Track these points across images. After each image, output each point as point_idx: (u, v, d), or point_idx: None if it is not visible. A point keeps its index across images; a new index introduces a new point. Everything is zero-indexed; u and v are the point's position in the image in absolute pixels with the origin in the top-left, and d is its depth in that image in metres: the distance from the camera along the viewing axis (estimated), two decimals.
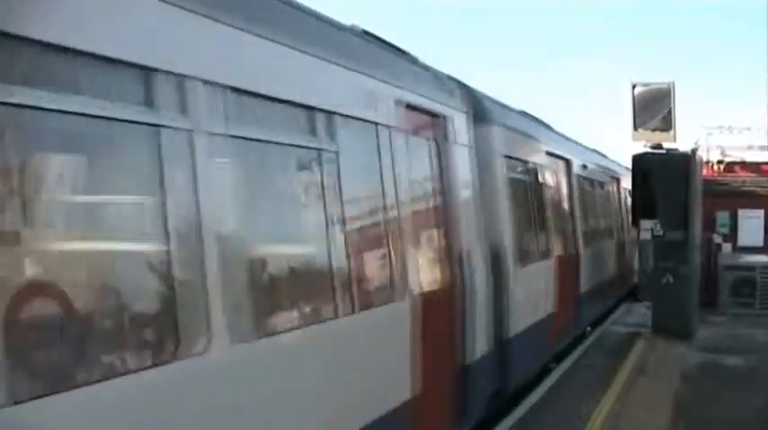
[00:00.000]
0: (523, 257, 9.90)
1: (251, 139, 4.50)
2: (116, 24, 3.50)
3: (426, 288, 6.75)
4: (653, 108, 15.47)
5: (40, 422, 2.93)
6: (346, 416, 5.33)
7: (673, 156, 14.89)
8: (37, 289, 3.19)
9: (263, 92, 4.60)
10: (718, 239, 18.23)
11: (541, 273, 10.95)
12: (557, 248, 11.98)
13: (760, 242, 17.99)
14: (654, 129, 15.52)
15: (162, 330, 3.70)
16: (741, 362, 12.27)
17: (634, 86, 15.69)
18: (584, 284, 13.85)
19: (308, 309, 5.09)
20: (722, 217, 18.40)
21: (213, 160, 4.07)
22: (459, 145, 7.95)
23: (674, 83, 15.63)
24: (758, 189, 18.41)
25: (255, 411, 4.20)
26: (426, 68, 8.09)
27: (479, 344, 8.03)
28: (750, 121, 18.96)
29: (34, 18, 3.06)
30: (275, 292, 4.81)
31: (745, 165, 19.05)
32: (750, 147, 19.15)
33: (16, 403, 2.83)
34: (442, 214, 7.50)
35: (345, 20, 6.10)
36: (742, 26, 60.99)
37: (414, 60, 7.89)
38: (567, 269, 12.50)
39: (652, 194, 14.32)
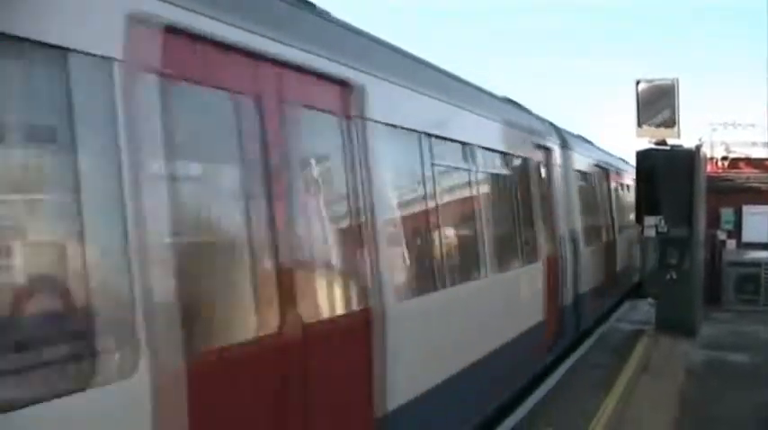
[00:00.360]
0: (586, 240, 13.86)
1: (489, 173, 8.94)
2: (465, 126, 8.24)
3: (547, 255, 11.03)
4: (657, 104, 15.45)
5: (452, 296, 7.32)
6: (527, 317, 10.03)
7: (677, 152, 14.85)
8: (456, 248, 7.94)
9: (492, 147, 9.07)
10: (722, 236, 18.18)
11: (596, 253, 15.03)
12: (603, 235, 16.28)
13: (764, 238, 17.92)
14: (658, 126, 15.50)
15: (473, 270, 8.13)
16: (745, 360, 12.26)
17: (638, 83, 15.67)
18: (619, 264, 17.71)
19: (509, 263, 9.35)
20: (727, 213, 18.35)
21: (485, 185, 8.64)
22: (557, 166, 12.27)
23: (677, 79, 15.62)
24: (763, 185, 18.35)
25: (502, 304, 8.96)
26: (538, 118, 12.54)
27: (568, 295, 12.26)
28: (754, 118, 18.93)
29: (447, 127, 7.58)
30: (500, 255, 8.88)
31: (749, 161, 19.01)
32: (754, 144, 19.12)
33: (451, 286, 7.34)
34: (551, 210, 11.69)
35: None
36: (744, 24, 60.82)
37: (530, 112, 12.24)
38: (609, 252, 16.66)
39: (656, 191, 14.29)
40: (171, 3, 3.77)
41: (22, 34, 2.91)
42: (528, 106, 12.39)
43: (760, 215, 18.16)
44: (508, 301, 9.24)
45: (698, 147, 15.01)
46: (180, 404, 3.45)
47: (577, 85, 75.52)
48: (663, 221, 14.15)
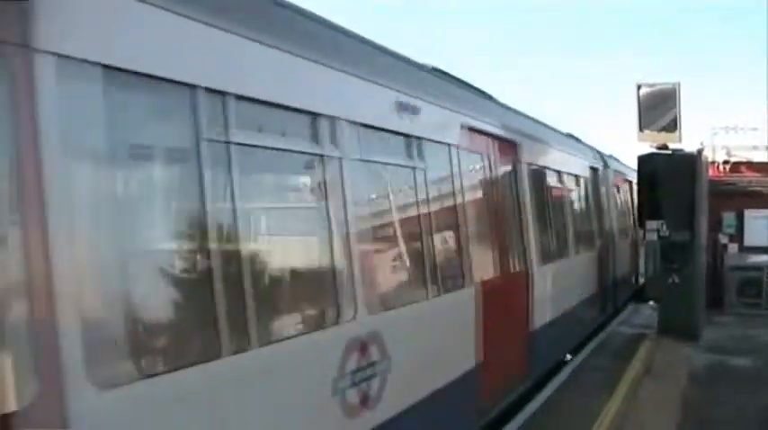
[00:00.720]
0: (619, 237, 17.82)
1: (571, 189, 13.61)
2: (560, 160, 12.89)
3: (597, 245, 15.29)
4: (658, 109, 15.48)
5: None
6: (594, 287, 14.83)
7: (678, 156, 14.88)
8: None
9: (572, 172, 13.68)
10: (724, 240, 18.20)
11: (626, 248, 19.12)
12: (629, 234, 19.82)
13: (766, 242, 17.93)
14: (659, 130, 15.53)
15: (565, 251, 12.55)
16: (748, 363, 12.29)
17: (639, 87, 15.71)
18: (640, 259, 20.25)
19: (580, 249, 13.66)
20: (728, 217, 18.37)
21: (569, 197, 13.38)
22: (603, 182, 16.36)
23: (679, 83, 15.67)
24: (764, 189, 18.34)
25: (578, 277, 13.72)
26: (589, 146, 16.51)
27: (611, 276, 16.53)
28: (755, 120, 18.98)
29: (552, 162, 12.31)
30: (576, 243, 13.25)
31: (751, 165, 19.03)
32: (756, 148, 19.13)
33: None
34: (600, 215, 15.91)
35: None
36: (745, 26, 60.86)
37: (582, 142, 16.15)
38: (633, 248, 20.10)
39: (658, 195, 14.31)
40: (468, 116, 8.36)
41: (438, 139, 7.48)
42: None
43: (762, 219, 18.17)
44: (581, 275, 13.83)
45: (699, 152, 15.04)
46: (479, 299, 7.98)
47: (577, 85, 75.51)
48: (665, 225, 14.16)
